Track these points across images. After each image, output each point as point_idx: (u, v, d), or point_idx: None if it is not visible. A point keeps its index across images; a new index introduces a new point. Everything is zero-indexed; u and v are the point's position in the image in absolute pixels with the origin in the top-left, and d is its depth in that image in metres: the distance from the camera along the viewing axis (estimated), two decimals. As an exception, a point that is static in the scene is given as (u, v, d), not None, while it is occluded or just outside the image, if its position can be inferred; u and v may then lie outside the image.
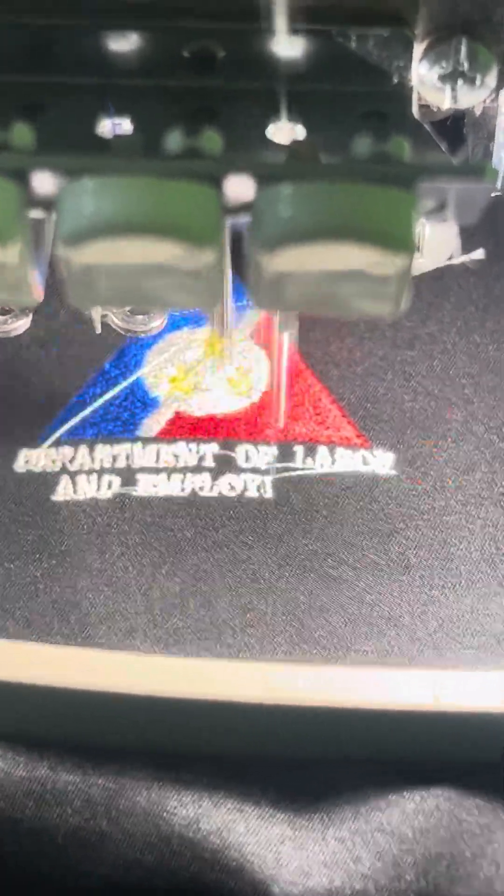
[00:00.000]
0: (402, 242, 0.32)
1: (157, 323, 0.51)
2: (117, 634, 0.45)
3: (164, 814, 0.41)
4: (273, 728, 0.42)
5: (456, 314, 0.53)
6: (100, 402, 0.51)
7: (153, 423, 0.50)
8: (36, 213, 0.33)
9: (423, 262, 0.48)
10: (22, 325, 0.50)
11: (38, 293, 0.34)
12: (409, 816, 0.41)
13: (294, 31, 0.36)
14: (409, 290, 0.33)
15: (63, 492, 0.49)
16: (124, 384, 0.51)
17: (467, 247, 0.52)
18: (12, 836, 0.41)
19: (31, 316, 0.51)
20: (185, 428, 0.50)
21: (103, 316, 0.50)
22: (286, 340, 0.46)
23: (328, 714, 0.41)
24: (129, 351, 0.52)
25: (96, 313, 0.49)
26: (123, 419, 0.50)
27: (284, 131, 0.37)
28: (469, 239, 0.52)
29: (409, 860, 0.40)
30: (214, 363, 0.52)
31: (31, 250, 0.33)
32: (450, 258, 0.50)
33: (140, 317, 0.50)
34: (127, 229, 0.31)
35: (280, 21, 0.36)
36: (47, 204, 0.33)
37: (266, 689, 0.41)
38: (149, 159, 0.33)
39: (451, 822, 0.40)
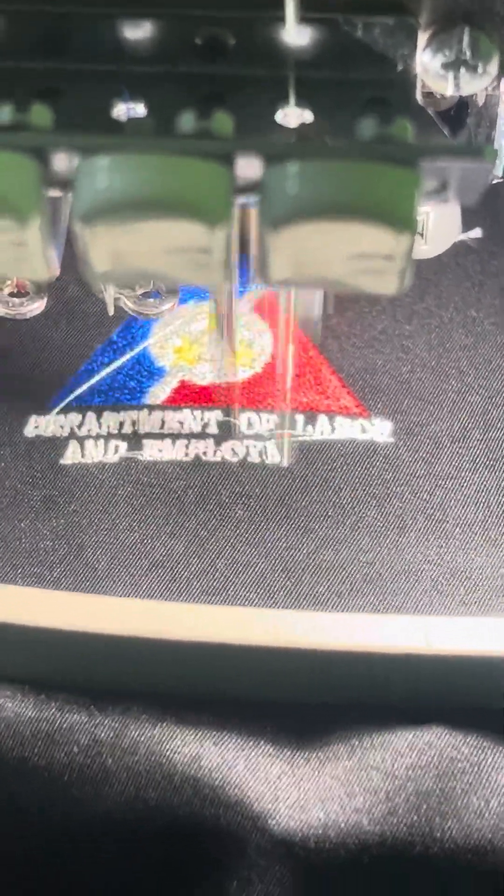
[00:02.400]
0: (406, 220, 0.32)
1: (168, 306, 0.52)
2: (122, 590, 0.47)
3: (167, 752, 0.42)
4: (272, 671, 0.43)
5: (453, 290, 0.55)
6: (107, 371, 0.53)
7: (159, 392, 0.52)
8: (53, 192, 0.34)
9: (427, 249, 0.49)
10: (37, 307, 0.52)
11: (54, 269, 0.35)
12: (402, 754, 0.42)
13: (302, 19, 0.37)
14: (412, 269, 0.34)
15: (71, 455, 0.50)
16: (131, 354, 0.53)
17: (465, 226, 0.54)
18: (21, 773, 0.42)
19: (45, 298, 0.52)
20: (190, 396, 0.52)
21: (116, 298, 0.51)
22: (292, 317, 0.47)
23: (325, 657, 0.43)
24: (135, 322, 0.54)
25: (109, 296, 0.51)
26: (130, 387, 0.52)
27: (292, 116, 0.38)
28: (467, 218, 0.53)
29: (401, 796, 0.41)
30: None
31: (49, 227, 0.34)
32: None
33: (151, 299, 0.52)
34: (141, 206, 0.32)
35: (289, 10, 0.37)
36: (64, 183, 0.34)
37: (266, 633, 0.43)
38: (163, 138, 0.34)
39: (441, 760, 0.42)
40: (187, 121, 0.34)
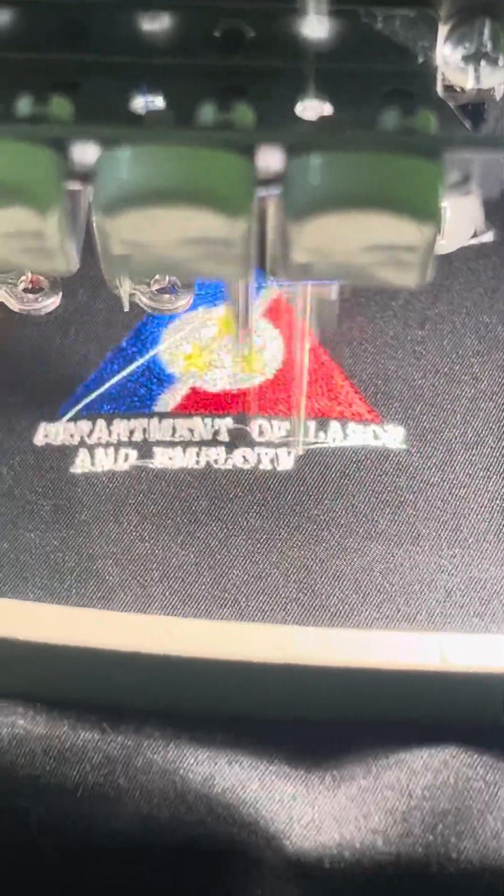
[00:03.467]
0: (429, 212, 0.32)
1: (184, 301, 0.51)
2: (133, 602, 0.46)
3: (181, 771, 0.42)
4: (286, 688, 0.43)
5: (465, 295, 0.54)
6: (117, 378, 0.52)
7: (169, 399, 0.52)
8: (73, 185, 0.34)
9: (443, 244, 0.49)
10: (52, 303, 0.51)
11: (74, 263, 0.35)
12: (418, 773, 0.42)
13: (322, 11, 0.37)
14: (434, 261, 0.34)
15: (81, 464, 0.50)
16: (141, 361, 0.53)
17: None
18: (32, 790, 0.42)
19: (60, 294, 0.52)
20: (201, 403, 0.51)
21: (131, 294, 0.51)
22: (307, 323, 0.47)
23: (340, 675, 0.42)
24: (145, 329, 0.53)
25: (125, 292, 0.50)
26: (140, 395, 0.52)
27: (312, 108, 0.38)
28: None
29: (416, 816, 0.41)
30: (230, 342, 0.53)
31: (69, 219, 0.34)
32: (473, 235, 0.51)
33: (167, 296, 0.51)
34: (163, 196, 0.32)
35: (309, 1, 0.37)
36: (84, 176, 0.34)
37: (280, 650, 0.42)
38: (185, 129, 0.34)
39: (458, 779, 0.42)
40: (208, 112, 0.34)
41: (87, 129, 0.34)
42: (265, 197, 0.35)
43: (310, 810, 0.41)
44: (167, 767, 0.42)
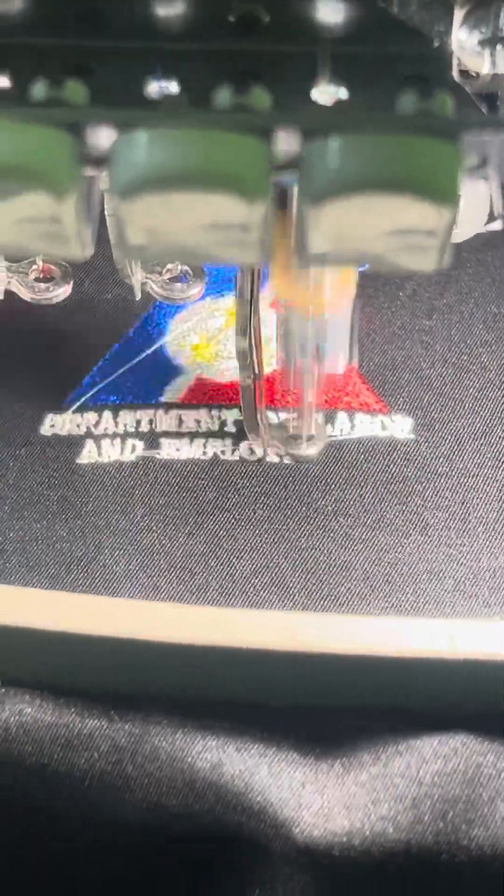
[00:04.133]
0: (448, 194, 0.32)
1: (196, 290, 0.51)
2: (140, 592, 0.46)
3: (189, 758, 0.42)
4: (295, 675, 0.43)
5: (473, 285, 0.54)
6: (124, 368, 0.52)
7: (176, 389, 0.51)
8: (88, 171, 0.34)
9: (457, 233, 0.48)
10: (63, 292, 0.51)
11: (89, 249, 0.35)
12: (428, 760, 0.42)
13: None
14: (451, 246, 0.34)
15: (88, 455, 0.50)
16: (148, 351, 0.52)
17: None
18: (40, 779, 0.42)
19: (71, 283, 0.52)
20: (208, 394, 0.51)
21: (143, 283, 0.51)
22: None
23: (349, 662, 0.42)
24: (152, 320, 0.53)
25: (137, 280, 0.50)
26: (147, 385, 0.51)
27: (328, 93, 0.38)
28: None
29: (427, 803, 0.41)
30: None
31: (85, 204, 0.34)
32: (489, 220, 0.51)
33: (178, 284, 0.51)
34: (180, 180, 0.32)
35: None
36: (99, 161, 0.34)
37: (288, 636, 0.42)
38: (201, 112, 0.34)
39: (468, 766, 0.41)
40: (224, 96, 0.34)
41: (103, 112, 0.33)
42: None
43: (319, 798, 0.41)
44: (175, 755, 0.42)
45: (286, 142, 0.33)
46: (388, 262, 0.34)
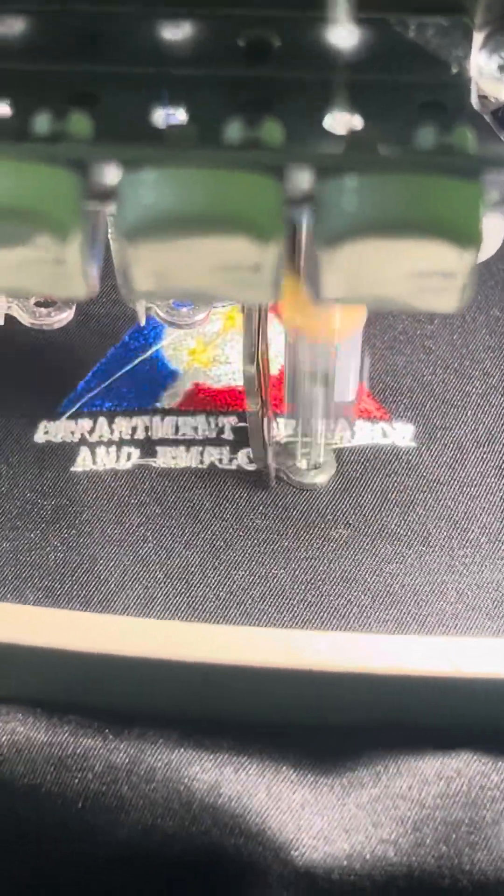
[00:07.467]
0: (470, 236, 0.31)
1: (201, 316, 0.50)
2: (136, 604, 0.45)
3: (185, 779, 0.41)
4: (294, 694, 0.42)
5: (476, 289, 0.53)
6: (119, 374, 0.51)
7: (172, 395, 0.51)
8: (92, 205, 0.33)
9: None
10: (65, 317, 0.50)
11: (93, 287, 0.33)
12: (430, 781, 0.41)
13: (352, 19, 0.35)
14: (473, 284, 0.33)
15: (82, 462, 0.49)
16: (144, 357, 0.52)
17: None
18: (33, 800, 0.41)
19: (73, 308, 0.51)
20: (204, 400, 0.50)
21: (147, 308, 0.50)
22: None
23: (349, 680, 0.41)
24: (148, 324, 0.52)
25: (141, 305, 0.49)
26: (143, 391, 0.51)
27: (342, 122, 0.36)
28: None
29: (429, 825, 0.40)
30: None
31: (89, 243, 0.32)
32: None
33: (184, 309, 0.50)
34: (189, 222, 0.31)
35: (339, 9, 0.35)
36: (103, 195, 0.32)
37: (287, 654, 0.41)
38: (210, 150, 0.32)
39: (471, 788, 0.41)
40: (235, 130, 0.32)
41: (109, 149, 0.32)
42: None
43: (318, 820, 0.40)
44: (171, 776, 0.41)
45: (299, 178, 0.32)
46: (405, 305, 0.33)
